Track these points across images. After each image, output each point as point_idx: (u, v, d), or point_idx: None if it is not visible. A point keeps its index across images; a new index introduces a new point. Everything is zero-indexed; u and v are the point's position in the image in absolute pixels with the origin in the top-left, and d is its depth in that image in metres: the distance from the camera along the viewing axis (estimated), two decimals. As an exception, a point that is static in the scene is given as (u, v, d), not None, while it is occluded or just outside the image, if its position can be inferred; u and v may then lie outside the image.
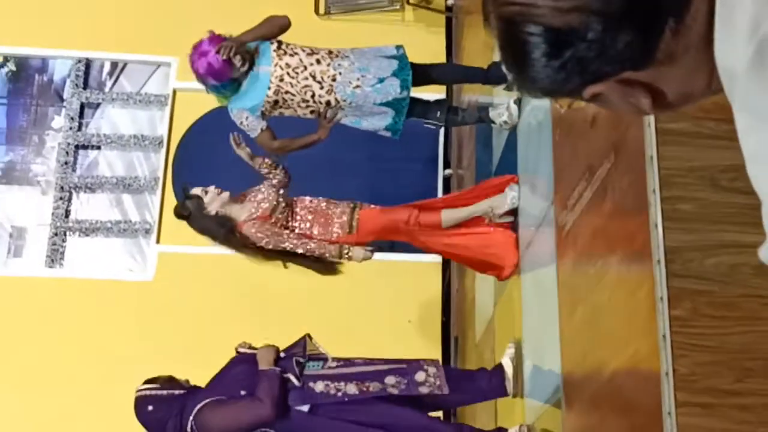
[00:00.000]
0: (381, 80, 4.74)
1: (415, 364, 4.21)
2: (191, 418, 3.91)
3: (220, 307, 6.73)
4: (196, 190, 4.65)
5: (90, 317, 6.91)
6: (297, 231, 4.65)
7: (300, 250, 4.62)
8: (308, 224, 4.66)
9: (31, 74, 7.84)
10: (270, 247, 4.63)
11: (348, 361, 4.23)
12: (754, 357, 2.28)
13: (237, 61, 4.54)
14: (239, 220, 4.60)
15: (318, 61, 4.70)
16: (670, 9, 0.89)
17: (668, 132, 2.44)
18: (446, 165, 7.48)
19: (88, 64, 7.74)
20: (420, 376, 4.15)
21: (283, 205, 4.64)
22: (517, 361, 4.31)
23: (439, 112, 5.01)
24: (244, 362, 4.14)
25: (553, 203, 3.75)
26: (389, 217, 4.75)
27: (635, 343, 2.57)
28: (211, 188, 4.63)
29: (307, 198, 4.75)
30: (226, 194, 4.62)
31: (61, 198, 7.38)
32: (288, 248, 4.62)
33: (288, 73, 4.65)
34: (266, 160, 4.70)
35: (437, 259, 7.20)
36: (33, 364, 6.78)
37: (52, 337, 6.85)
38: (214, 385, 4.11)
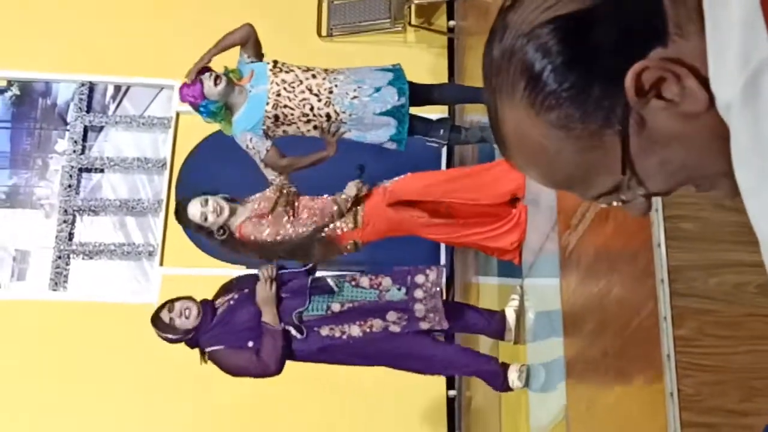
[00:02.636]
0: (377, 89, 4.79)
1: (417, 299, 4.35)
2: (206, 351, 4.36)
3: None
4: (194, 213, 4.57)
5: (94, 340, 6.90)
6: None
7: (301, 230, 4.56)
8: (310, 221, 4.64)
9: (34, 98, 7.86)
10: (270, 239, 4.56)
11: (354, 282, 4.41)
12: (759, 376, 2.27)
13: (207, 78, 4.66)
14: (238, 223, 4.59)
15: (314, 76, 4.77)
16: None
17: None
18: (449, 185, 7.47)
19: (91, 87, 7.76)
20: (419, 311, 4.34)
21: (283, 204, 4.62)
22: (520, 377, 4.32)
23: (442, 130, 5.02)
24: (250, 302, 4.35)
25: (557, 223, 3.75)
26: (396, 216, 4.70)
27: (640, 363, 2.57)
28: (210, 210, 4.55)
29: (308, 197, 4.73)
30: (225, 212, 4.57)
31: (64, 221, 7.39)
32: (289, 235, 4.56)
33: (285, 88, 4.70)
34: (288, 187, 4.73)
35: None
36: (37, 387, 6.77)
37: (56, 360, 6.84)
38: (222, 326, 4.36)
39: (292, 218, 4.60)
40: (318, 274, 4.53)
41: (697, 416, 2.25)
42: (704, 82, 0.87)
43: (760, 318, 2.29)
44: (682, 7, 0.87)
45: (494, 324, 4.51)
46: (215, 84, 4.67)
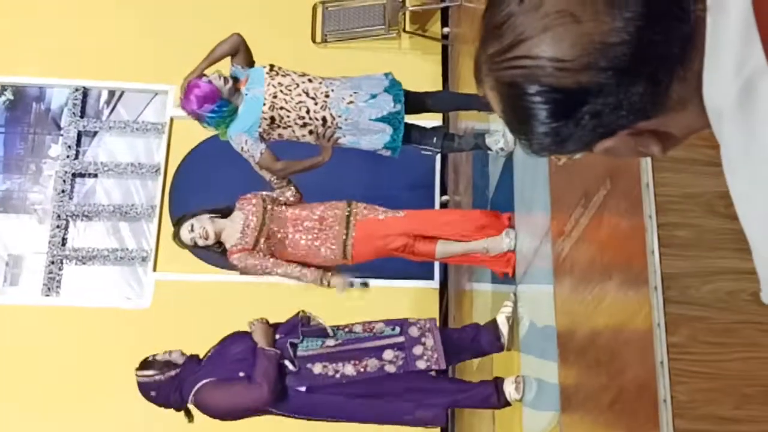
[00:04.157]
0: (373, 96, 4.80)
1: (414, 338, 4.29)
2: (191, 395, 4.15)
3: (217, 334, 6.70)
4: (185, 239, 4.71)
5: (87, 346, 6.89)
6: (287, 243, 4.74)
7: (281, 277, 4.78)
8: (301, 243, 4.73)
9: (28, 103, 7.85)
10: (259, 273, 4.80)
11: (348, 329, 4.38)
12: (752, 383, 2.27)
13: (216, 80, 4.63)
14: (228, 247, 4.72)
15: (310, 80, 4.80)
16: (677, 57, 0.89)
17: (664, 159, 2.44)
18: (443, 191, 7.49)
19: (85, 92, 7.76)
20: (417, 350, 4.27)
21: (267, 235, 4.69)
22: (517, 388, 4.32)
23: (435, 138, 5.02)
24: (243, 341, 4.28)
25: (550, 229, 3.75)
26: (383, 244, 4.77)
27: (633, 370, 2.57)
28: (196, 235, 4.67)
29: (298, 217, 4.77)
30: (210, 235, 4.68)
31: (57, 226, 7.37)
32: (275, 272, 4.75)
33: (281, 91, 4.71)
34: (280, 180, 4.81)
35: (434, 285, 7.19)
36: (29, 393, 6.75)
37: (49, 366, 6.82)
38: (212, 363, 4.25)
39: (275, 259, 4.71)
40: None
41: (690, 423, 2.25)
42: (672, 140, 0.95)
43: (754, 325, 2.30)
44: (694, 82, 0.90)
45: (489, 335, 4.50)
46: (225, 84, 4.66)
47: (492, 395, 4.33)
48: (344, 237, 4.73)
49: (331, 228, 4.73)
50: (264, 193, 4.82)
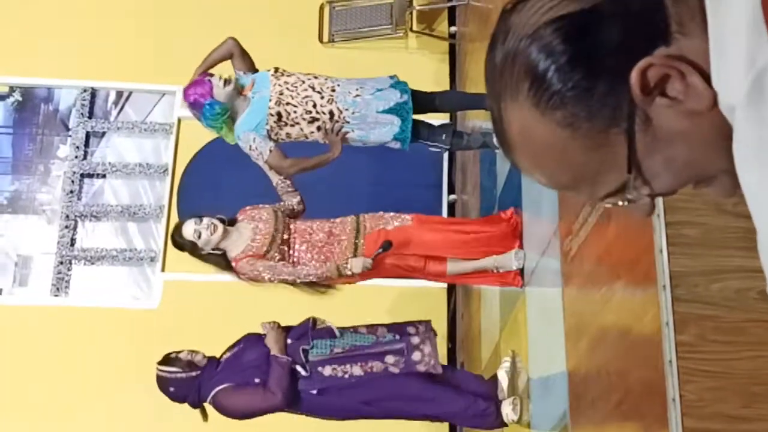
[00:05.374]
0: (380, 90, 4.82)
1: (413, 346, 4.54)
2: (210, 397, 4.38)
3: (226, 334, 6.70)
4: (188, 230, 4.61)
5: (95, 346, 6.90)
6: (294, 254, 4.67)
7: (298, 281, 4.62)
8: (307, 256, 4.67)
9: (36, 104, 7.87)
10: (267, 281, 4.64)
11: (353, 329, 4.59)
12: (760, 382, 2.27)
13: (216, 80, 4.65)
14: (234, 255, 4.61)
15: (315, 77, 4.83)
16: None
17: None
18: (451, 190, 7.49)
19: (93, 93, 7.78)
20: (416, 356, 4.51)
21: (279, 242, 4.63)
22: (524, 386, 4.33)
23: (444, 135, 5.03)
24: (257, 347, 4.46)
25: (558, 228, 3.75)
26: (394, 260, 4.75)
27: (642, 369, 2.56)
28: (203, 226, 4.58)
29: (307, 228, 4.74)
30: (219, 230, 4.59)
31: (66, 227, 7.39)
32: (285, 279, 4.62)
33: (287, 88, 4.72)
34: (288, 181, 4.77)
35: (442, 284, 7.18)
36: (38, 393, 6.77)
37: (58, 365, 6.84)
38: (229, 368, 4.45)
39: (288, 263, 4.62)
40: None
41: (698, 422, 2.25)
42: (708, 80, 0.87)
43: (762, 324, 2.30)
44: (684, 5, 0.88)
45: (486, 388, 4.56)
46: (224, 85, 4.66)
47: (489, 414, 4.46)
48: (353, 252, 4.68)
49: (339, 243, 4.68)
50: (265, 205, 4.78)
